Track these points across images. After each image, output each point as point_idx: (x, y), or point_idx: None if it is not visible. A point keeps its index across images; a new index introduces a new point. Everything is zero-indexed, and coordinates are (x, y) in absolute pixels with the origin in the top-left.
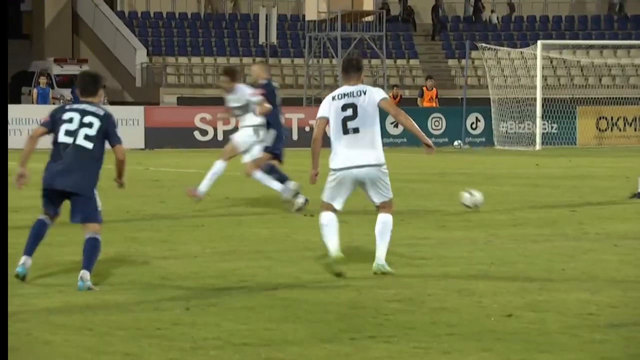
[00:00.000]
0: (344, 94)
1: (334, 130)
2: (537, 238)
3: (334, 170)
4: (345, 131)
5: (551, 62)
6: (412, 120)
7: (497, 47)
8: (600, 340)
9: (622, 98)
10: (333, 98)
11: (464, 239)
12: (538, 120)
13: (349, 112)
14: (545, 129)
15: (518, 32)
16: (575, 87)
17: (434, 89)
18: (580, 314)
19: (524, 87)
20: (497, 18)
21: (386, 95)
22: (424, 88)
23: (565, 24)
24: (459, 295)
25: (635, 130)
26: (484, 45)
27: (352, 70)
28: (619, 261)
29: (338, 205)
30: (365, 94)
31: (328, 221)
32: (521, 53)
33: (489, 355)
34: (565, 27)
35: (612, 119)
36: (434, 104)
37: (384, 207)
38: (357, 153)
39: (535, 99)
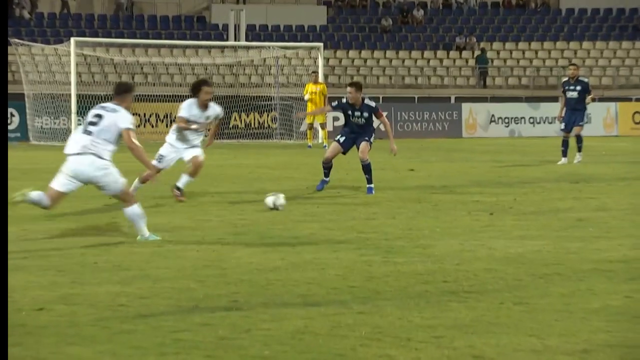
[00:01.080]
0: (102, 106)
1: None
2: (67, 232)
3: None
4: (86, 132)
5: (85, 59)
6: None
7: (31, 43)
8: (130, 330)
9: (155, 95)
10: (96, 105)
11: None
12: (73, 116)
13: (96, 119)
14: (80, 124)
15: (53, 28)
16: (110, 84)
17: None
18: (111, 305)
19: (59, 83)
20: (31, 14)
21: (130, 127)
22: None
23: (97, 22)
24: None
25: (166, 126)
26: (17, 40)
27: (118, 91)
28: (149, 253)
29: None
30: (116, 112)
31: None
32: (55, 50)
33: (18, 350)
34: (99, 25)
35: (145, 115)
36: None
37: None
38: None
39: (70, 95)
